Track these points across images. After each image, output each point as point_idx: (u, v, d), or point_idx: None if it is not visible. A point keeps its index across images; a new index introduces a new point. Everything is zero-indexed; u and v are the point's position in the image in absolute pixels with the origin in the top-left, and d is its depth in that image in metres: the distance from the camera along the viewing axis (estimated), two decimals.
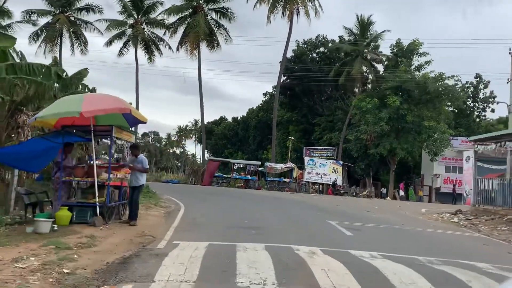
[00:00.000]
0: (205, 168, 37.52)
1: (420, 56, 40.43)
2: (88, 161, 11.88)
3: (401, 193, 39.43)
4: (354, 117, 41.65)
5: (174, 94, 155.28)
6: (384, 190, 39.94)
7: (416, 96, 38.58)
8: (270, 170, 36.73)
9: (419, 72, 39.63)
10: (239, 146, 73.83)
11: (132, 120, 10.90)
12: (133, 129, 21.03)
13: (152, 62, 44.53)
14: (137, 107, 42.14)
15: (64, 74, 14.52)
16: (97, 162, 10.60)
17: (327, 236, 10.71)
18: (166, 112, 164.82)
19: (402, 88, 38.21)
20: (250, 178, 36.22)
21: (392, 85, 37.67)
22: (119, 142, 10.70)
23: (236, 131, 75.07)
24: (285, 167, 37.02)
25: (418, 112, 38.31)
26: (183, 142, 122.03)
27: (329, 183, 38.53)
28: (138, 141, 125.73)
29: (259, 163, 38.52)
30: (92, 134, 10.04)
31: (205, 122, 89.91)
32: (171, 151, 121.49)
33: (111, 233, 9.24)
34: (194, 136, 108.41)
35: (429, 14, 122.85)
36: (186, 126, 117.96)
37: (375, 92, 39.98)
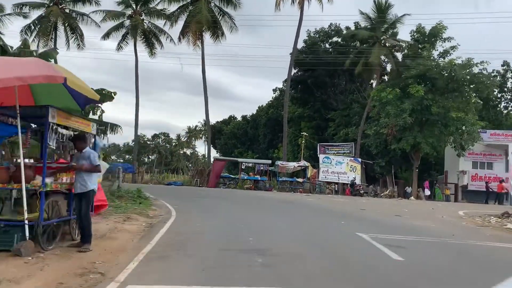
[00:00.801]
0: (211, 168, 34.33)
1: (444, 42, 36.76)
2: (15, 160, 8.64)
3: (427, 192, 35.80)
4: (373, 110, 38.12)
5: (184, 95, 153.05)
6: (408, 189, 36.34)
7: (441, 85, 34.94)
8: (282, 169, 33.38)
9: (444, 58, 35.95)
10: (249, 145, 70.93)
11: (83, 99, 7.66)
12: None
13: (153, 55, 41.51)
14: (137, 104, 39.15)
15: (13, 49, 11.38)
16: (27, 160, 7.38)
17: (368, 264, 7.36)
18: (176, 113, 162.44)
19: (425, 76, 34.61)
20: (259, 178, 32.91)
21: (415, 73, 34.07)
22: (64, 131, 7.49)
23: (245, 130, 72.18)
24: (298, 166, 33.61)
25: (443, 102, 34.67)
26: (193, 143, 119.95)
27: (346, 182, 35.09)
28: (148, 142, 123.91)
29: (269, 162, 35.21)
30: (19, 119, 6.83)
31: (214, 122, 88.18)
32: (181, 152, 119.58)
33: (38, 269, 6.01)
34: (203, 137, 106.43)
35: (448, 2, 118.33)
36: (196, 126, 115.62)
37: (396, 81, 36.37)
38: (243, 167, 33.71)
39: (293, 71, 45.58)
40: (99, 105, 20.28)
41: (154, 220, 12.38)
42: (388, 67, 43.92)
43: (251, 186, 32.99)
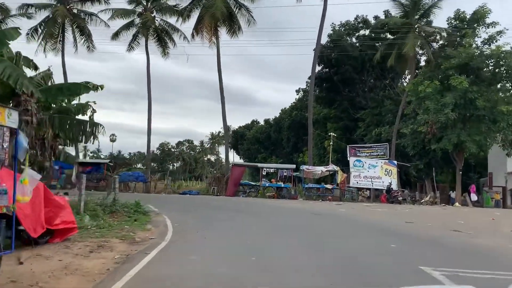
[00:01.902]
0: (229, 175, 31.06)
1: (488, 27, 32.57)
2: None
3: (473, 197, 31.61)
4: (408, 107, 34.20)
5: (208, 102, 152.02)
6: (452, 194, 32.22)
7: (487, 75, 30.82)
8: (308, 174, 29.81)
9: (489, 45, 31.78)
10: (272, 150, 67.90)
11: None
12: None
13: (166, 55, 38.70)
14: (149, 107, 36.37)
15: None
16: None
17: None
18: (201, 120, 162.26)
19: (468, 66, 30.58)
20: (283, 185, 29.40)
21: (456, 63, 30.07)
22: None
23: (268, 134, 69.21)
24: (326, 171, 29.97)
25: (490, 95, 30.56)
26: (216, 149, 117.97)
27: (381, 188, 31.25)
28: (172, 150, 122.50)
29: (293, 166, 31.67)
30: None
31: (237, 127, 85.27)
32: (205, 159, 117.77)
33: None
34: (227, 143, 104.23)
35: None
36: (219, 132, 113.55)
37: (434, 73, 32.36)
38: (264, 173, 30.26)
39: (317, 68, 42.09)
40: (91, 104, 17.40)
41: (136, 249, 9.10)
42: (422, 61, 39.93)
43: (274, 194, 29.55)
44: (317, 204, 24.00)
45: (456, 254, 9.44)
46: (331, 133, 38.96)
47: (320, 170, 29.74)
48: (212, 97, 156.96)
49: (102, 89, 14.96)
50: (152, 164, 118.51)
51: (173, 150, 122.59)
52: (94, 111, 16.73)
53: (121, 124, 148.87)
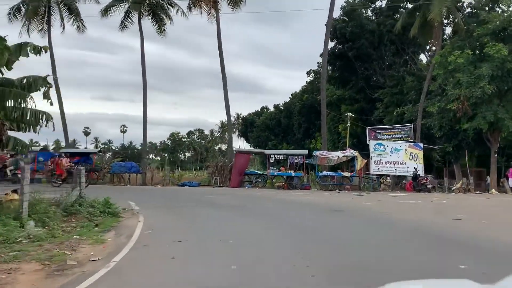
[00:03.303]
0: (233, 163, 27.46)
1: None
2: None
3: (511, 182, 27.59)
4: (433, 84, 30.13)
5: (219, 92, 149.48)
6: (488, 180, 28.26)
7: None
8: (322, 161, 26.00)
9: None
10: (283, 137, 64.42)
11: None
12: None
13: (162, 33, 34.96)
14: (144, 95, 32.86)
15: None
16: None
17: None
18: (212, 110, 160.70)
19: (506, 32, 26.44)
20: (293, 174, 25.65)
21: (493, 27, 25.95)
22: None
23: (278, 120, 65.75)
24: (343, 156, 26.10)
25: None
26: (227, 138, 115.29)
27: (406, 174, 27.45)
28: (183, 139, 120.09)
29: (305, 152, 27.86)
30: None
31: (246, 114, 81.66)
32: (216, 148, 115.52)
33: None
34: (236, 130, 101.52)
35: None
36: (232, 124, 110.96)
37: (465, 42, 28.21)
38: (272, 160, 26.51)
39: (330, 45, 38.05)
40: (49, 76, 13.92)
41: (50, 286, 5.57)
42: (448, 31, 35.73)
43: (284, 184, 25.88)
44: (335, 196, 20.27)
45: None
46: (348, 113, 34.89)
47: (336, 155, 25.88)
48: (222, 87, 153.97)
49: (46, 51, 11.42)
50: (163, 154, 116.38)
51: (183, 140, 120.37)
52: (49, 85, 13.20)
53: (132, 116, 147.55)
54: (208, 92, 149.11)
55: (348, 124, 33.99)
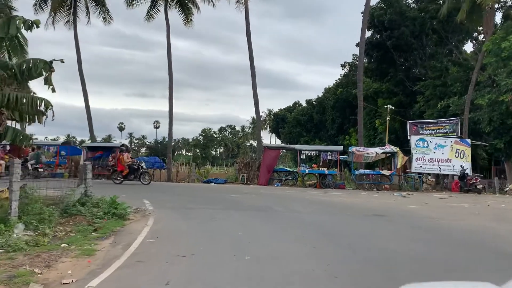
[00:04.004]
0: (261, 160, 25.66)
1: None
2: None
3: None
4: (484, 73, 27.36)
5: (250, 88, 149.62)
6: None
7: None
8: (358, 158, 23.79)
9: None
10: (315, 133, 62.24)
11: None
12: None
13: (189, 23, 33.49)
14: (170, 87, 31.50)
15: None
16: None
17: None
18: (244, 106, 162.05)
19: None
20: (326, 172, 23.59)
21: None
22: None
23: (310, 115, 63.53)
24: (382, 153, 23.80)
25: None
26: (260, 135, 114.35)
27: (451, 173, 24.95)
28: (215, 135, 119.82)
29: (340, 148, 25.68)
30: None
31: (277, 110, 79.72)
32: (248, 144, 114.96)
33: None
34: (268, 127, 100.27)
35: None
36: (260, 117, 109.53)
37: None
38: (303, 156, 24.51)
39: (367, 34, 35.61)
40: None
41: None
42: (499, 17, 32.66)
43: (316, 182, 23.86)
44: (374, 197, 18.14)
45: None
46: (388, 105, 32.39)
47: (374, 152, 23.60)
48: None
49: (38, 26, 9.95)
50: (195, 149, 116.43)
51: (215, 136, 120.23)
52: (52, 69, 11.76)
53: (166, 112, 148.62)
54: (240, 89, 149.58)
55: (388, 118, 31.41)
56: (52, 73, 11.94)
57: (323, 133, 59.89)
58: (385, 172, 23.10)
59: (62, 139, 66.39)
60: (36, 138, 31.09)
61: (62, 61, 12.10)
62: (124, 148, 24.32)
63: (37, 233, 8.62)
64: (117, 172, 21.84)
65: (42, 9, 33.54)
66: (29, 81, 12.11)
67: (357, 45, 37.20)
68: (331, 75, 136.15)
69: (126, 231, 9.12)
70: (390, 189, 22.95)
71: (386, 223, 10.36)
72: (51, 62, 12.47)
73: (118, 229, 9.33)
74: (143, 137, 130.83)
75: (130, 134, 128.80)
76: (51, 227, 9.09)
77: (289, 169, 26.17)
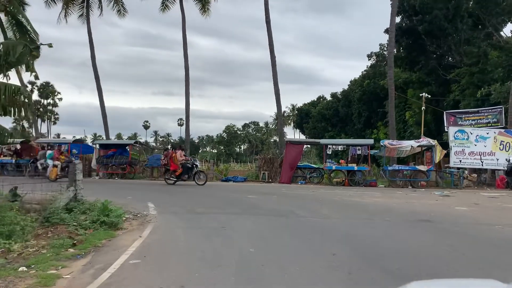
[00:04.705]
0: (283, 156, 23.68)
1: None
2: None
3: None
4: None
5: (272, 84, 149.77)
6: None
7: None
8: (392, 152, 21.51)
9: None
10: (341, 127, 60.02)
11: None
12: None
13: (206, 13, 31.72)
14: (187, 81, 29.78)
15: None
16: None
17: None
18: (266, 103, 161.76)
19: None
20: (355, 168, 21.38)
21: None
22: None
23: (336, 109, 61.30)
24: (417, 146, 21.41)
25: None
26: (284, 130, 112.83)
27: (495, 168, 22.43)
28: (238, 132, 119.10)
29: (371, 141, 23.41)
30: None
31: (301, 104, 77.46)
32: (271, 140, 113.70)
33: None
34: (292, 122, 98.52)
35: None
36: (284, 112, 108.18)
37: None
38: (329, 151, 22.33)
39: (396, 20, 33.10)
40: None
41: None
42: None
43: (344, 179, 21.69)
44: (412, 196, 15.92)
45: None
46: (424, 93, 29.82)
47: (409, 145, 21.19)
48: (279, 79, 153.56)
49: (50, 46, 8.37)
50: (219, 146, 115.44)
51: (239, 132, 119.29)
52: (34, 54, 10.15)
53: (190, 110, 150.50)
54: (263, 85, 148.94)
55: (423, 108, 28.88)
56: (35, 58, 10.34)
57: (349, 128, 57.63)
58: (422, 168, 20.70)
59: (88, 138, 65.88)
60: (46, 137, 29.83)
61: (50, 45, 10.46)
62: (180, 145, 22.51)
63: (1, 250, 6.96)
64: (170, 172, 20.01)
65: (55, 2, 32.40)
66: (9, 70, 10.46)
67: (386, 31, 34.83)
68: (356, 69, 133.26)
69: (111, 247, 7.33)
70: (427, 186, 20.62)
71: (438, 233, 8.25)
72: (37, 46, 10.90)
73: (103, 243, 7.56)
74: (168, 135, 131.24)
75: (155, 132, 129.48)
76: (23, 241, 7.44)
77: (314, 165, 24.08)
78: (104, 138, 31.65)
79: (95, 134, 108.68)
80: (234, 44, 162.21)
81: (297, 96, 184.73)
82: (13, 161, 25.76)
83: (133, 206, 11.82)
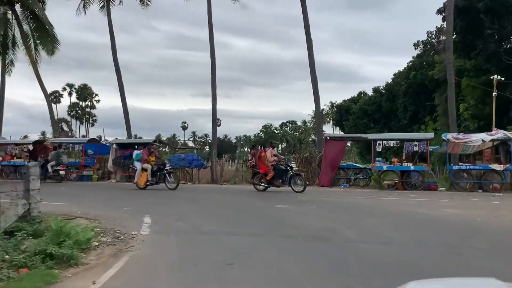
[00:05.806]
0: (321, 155, 20.24)
1: None
2: None
3: None
4: None
5: (310, 83, 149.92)
6: None
7: None
8: (456, 148, 17.56)
9: None
10: (384, 123, 56.35)
11: None
12: None
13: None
14: (213, 63, 26.70)
15: None
16: None
17: None
18: (304, 102, 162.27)
19: None
20: (412, 168, 17.52)
21: None
22: None
23: (379, 104, 57.54)
24: (490, 140, 17.29)
25: None
26: (323, 129, 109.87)
27: None
28: (276, 132, 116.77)
29: (431, 135, 19.35)
30: None
31: (341, 101, 73.58)
32: (310, 139, 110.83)
33: None
34: (331, 120, 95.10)
35: None
36: (322, 110, 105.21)
37: None
38: (377, 148, 18.46)
39: None
40: None
41: None
42: None
43: (397, 182, 17.94)
44: (496, 206, 12.14)
45: None
46: (495, 76, 25.58)
47: (480, 138, 16.96)
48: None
49: None
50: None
51: (276, 132, 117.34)
52: None
53: (228, 110, 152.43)
54: (300, 84, 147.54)
55: (494, 93, 24.64)
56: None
57: (393, 123, 53.84)
58: (497, 167, 16.65)
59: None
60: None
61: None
62: (271, 141, 18.70)
63: None
64: (259, 176, 16.17)
65: None
66: None
67: (438, 11, 30.73)
68: (396, 65, 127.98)
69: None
70: (502, 189, 16.66)
71: None
72: None
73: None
74: (206, 135, 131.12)
75: (194, 133, 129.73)
76: None
77: (360, 166, 20.45)
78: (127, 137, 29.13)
79: (135, 135, 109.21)
80: (270, 44, 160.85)
81: (335, 94, 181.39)
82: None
83: (123, 222, 8.87)
